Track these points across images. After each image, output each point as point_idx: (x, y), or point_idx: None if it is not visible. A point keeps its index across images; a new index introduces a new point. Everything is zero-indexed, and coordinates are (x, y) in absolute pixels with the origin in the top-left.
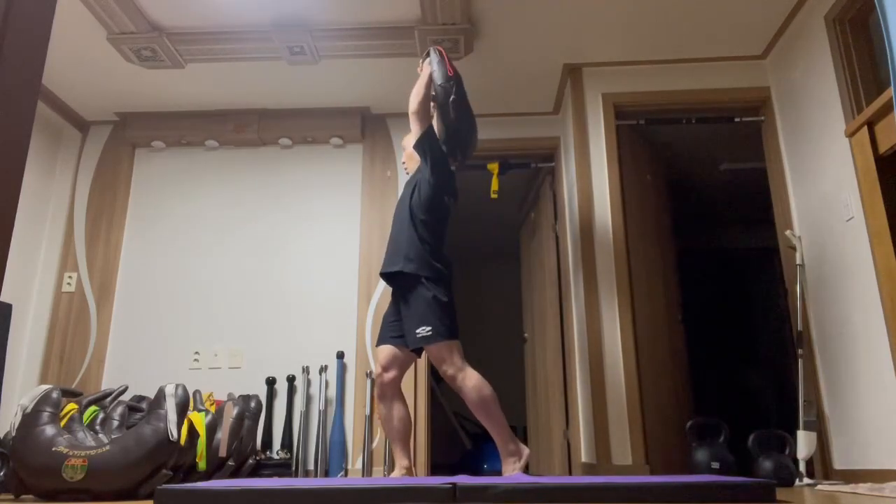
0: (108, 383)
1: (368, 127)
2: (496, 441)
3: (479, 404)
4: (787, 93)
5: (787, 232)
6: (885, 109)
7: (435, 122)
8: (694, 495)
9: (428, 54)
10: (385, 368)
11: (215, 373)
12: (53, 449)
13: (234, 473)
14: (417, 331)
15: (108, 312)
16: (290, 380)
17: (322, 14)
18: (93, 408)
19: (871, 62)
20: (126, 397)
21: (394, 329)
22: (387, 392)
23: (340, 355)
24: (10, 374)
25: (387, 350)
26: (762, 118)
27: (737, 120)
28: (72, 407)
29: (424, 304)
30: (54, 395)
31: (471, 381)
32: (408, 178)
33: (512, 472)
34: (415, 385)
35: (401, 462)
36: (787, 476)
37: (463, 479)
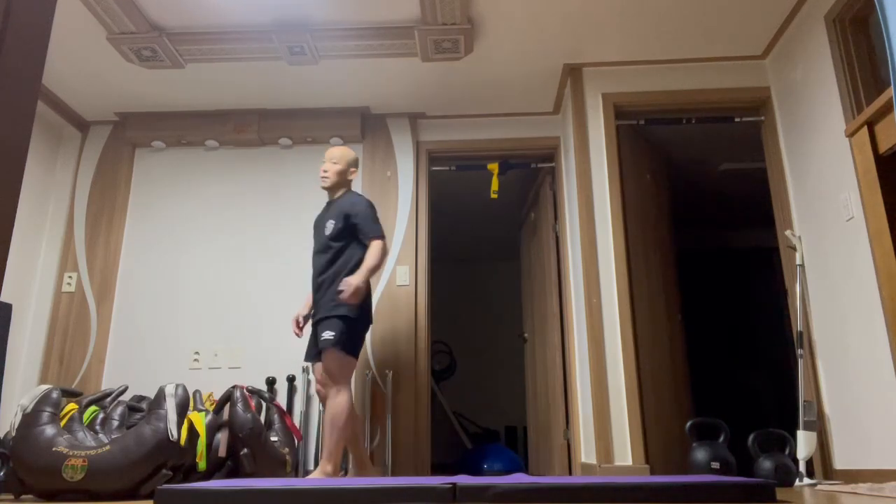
0: (108, 383)
1: (368, 127)
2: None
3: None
4: (787, 93)
5: (787, 232)
6: (885, 109)
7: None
8: (694, 495)
9: None
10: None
11: (215, 373)
12: (53, 449)
13: (234, 473)
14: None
15: (108, 312)
16: (290, 380)
17: (322, 14)
18: (93, 408)
19: (871, 62)
20: (126, 397)
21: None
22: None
23: None
24: (10, 374)
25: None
26: (762, 118)
27: (737, 120)
28: (72, 407)
29: None
30: (54, 395)
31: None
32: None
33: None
34: (415, 385)
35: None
36: (787, 476)
37: (463, 479)
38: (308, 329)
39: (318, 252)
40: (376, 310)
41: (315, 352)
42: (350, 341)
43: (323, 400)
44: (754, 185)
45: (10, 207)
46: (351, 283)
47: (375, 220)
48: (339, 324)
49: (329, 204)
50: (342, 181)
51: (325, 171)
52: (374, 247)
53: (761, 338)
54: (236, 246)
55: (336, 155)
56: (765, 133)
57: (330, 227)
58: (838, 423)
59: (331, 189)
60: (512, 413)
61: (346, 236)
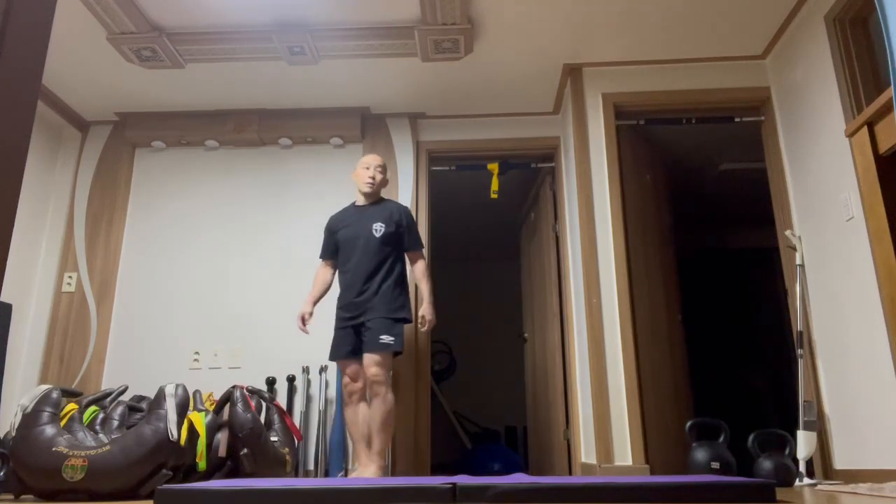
0: (108, 383)
1: (368, 127)
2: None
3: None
4: (787, 93)
5: (787, 232)
6: (885, 109)
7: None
8: (694, 495)
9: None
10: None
11: (215, 373)
12: (53, 449)
13: (234, 473)
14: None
15: (108, 312)
16: (290, 380)
17: (322, 14)
18: (93, 408)
19: (871, 62)
20: (126, 397)
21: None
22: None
23: None
24: (10, 374)
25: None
26: (762, 118)
27: (737, 120)
28: (72, 407)
29: None
30: (54, 395)
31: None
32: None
33: (362, 474)
34: (416, 385)
35: (377, 461)
36: (787, 476)
37: (463, 479)
38: (311, 326)
39: (363, 252)
40: None
41: (349, 350)
42: (402, 345)
43: (350, 395)
44: (754, 185)
45: (10, 207)
46: (428, 318)
47: (418, 232)
48: (402, 328)
49: (361, 207)
50: (380, 189)
51: (373, 178)
52: (424, 267)
53: (761, 338)
54: (236, 246)
55: (381, 164)
56: (765, 133)
57: (380, 229)
58: (838, 423)
59: (371, 195)
60: (512, 413)
61: (393, 241)
